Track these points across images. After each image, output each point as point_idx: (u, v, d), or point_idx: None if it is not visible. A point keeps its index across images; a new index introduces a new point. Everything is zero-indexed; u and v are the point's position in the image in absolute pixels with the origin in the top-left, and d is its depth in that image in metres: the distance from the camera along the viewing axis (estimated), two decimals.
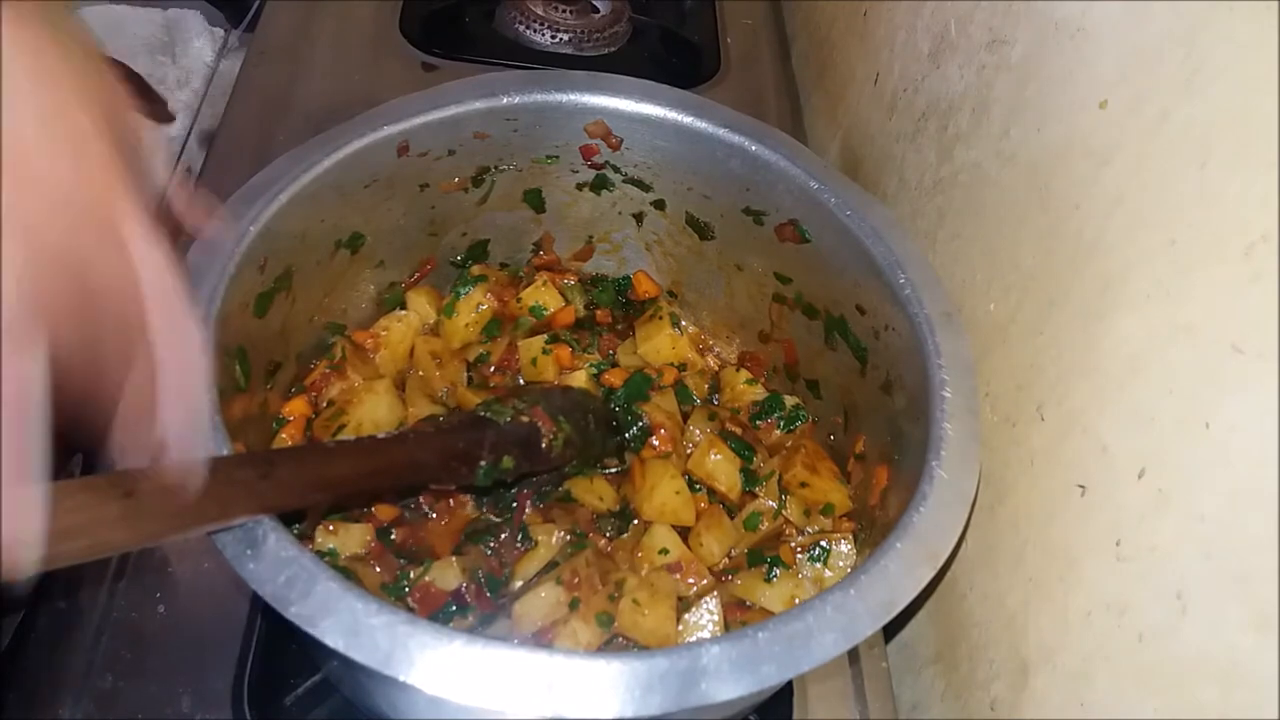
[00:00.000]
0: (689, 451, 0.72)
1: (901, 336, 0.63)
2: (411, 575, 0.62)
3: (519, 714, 0.43)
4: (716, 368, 0.82)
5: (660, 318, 0.79)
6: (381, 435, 0.64)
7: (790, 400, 0.76)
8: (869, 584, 0.49)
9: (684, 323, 0.81)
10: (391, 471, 0.54)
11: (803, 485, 0.69)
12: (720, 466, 0.70)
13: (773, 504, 0.70)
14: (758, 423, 0.76)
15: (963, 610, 0.65)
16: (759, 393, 0.77)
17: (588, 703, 0.43)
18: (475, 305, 0.77)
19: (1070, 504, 0.54)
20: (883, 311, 0.65)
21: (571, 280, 0.82)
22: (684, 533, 0.68)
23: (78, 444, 0.72)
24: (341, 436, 0.65)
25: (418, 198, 0.72)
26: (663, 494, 0.67)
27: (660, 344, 0.79)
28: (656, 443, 0.72)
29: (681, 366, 0.79)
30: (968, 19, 0.71)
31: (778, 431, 0.75)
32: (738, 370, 0.79)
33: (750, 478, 0.71)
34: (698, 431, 0.74)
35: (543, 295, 0.78)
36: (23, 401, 0.30)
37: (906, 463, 0.59)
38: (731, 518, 0.70)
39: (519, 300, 0.78)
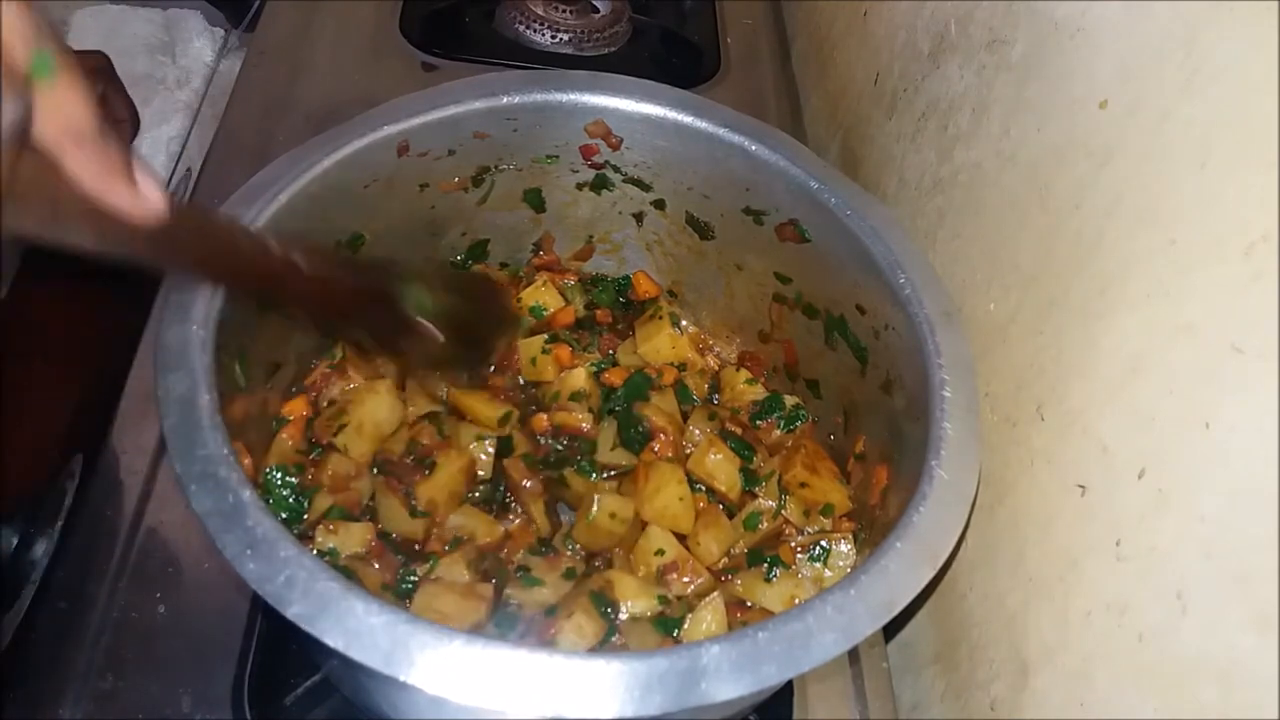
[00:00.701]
0: (689, 452, 0.72)
1: (901, 336, 0.63)
2: (418, 573, 0.62)
3: (519, 714, 0.43)
4: (716, 368, 0.82)
5: (660, 318, 0.79)
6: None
7: (790, 400, 0.76)
8: (869, 584, 0.49)
9: (684, 323, 0.81)
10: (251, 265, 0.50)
11: (802, 485, 0.69)
12: (720, 466, 0.70)
13: (772, 504, 0.70)
14: (758, 423, 0.76)
15: (963, 610, 0.65)
16: (759, 393, 0.77)
17: (587, 703, 0.43)
18: None
19: (1070, 504, 0.54)
20: (882, 311, 0.65)
21: (571, 280, 0.82)
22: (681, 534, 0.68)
23: (78, 444, 0.72)
24: (343, 436, 0.66)
25: (418, 198, 0.72)
26: (666, 497, 0.67)
27: (660, 344, 0.79)
28: (657, 447, 0.72)
29: (681, 366, 0.79)
30: (968, 19, 0.71)
31: (777, 431, 0.75)
32: (737, 370, 0.79)
33: (750, 478, 0.71)
34: (697, 432, 0.74)
35: (543, 295, 0.78)
36: None
37: (906, 462, 0.59)
38: (731, 518, 0.70)
39: (519, 300, 0.79)
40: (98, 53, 0.79)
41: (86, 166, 0.34)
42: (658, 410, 0.73)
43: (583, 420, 0.73)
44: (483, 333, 0.68)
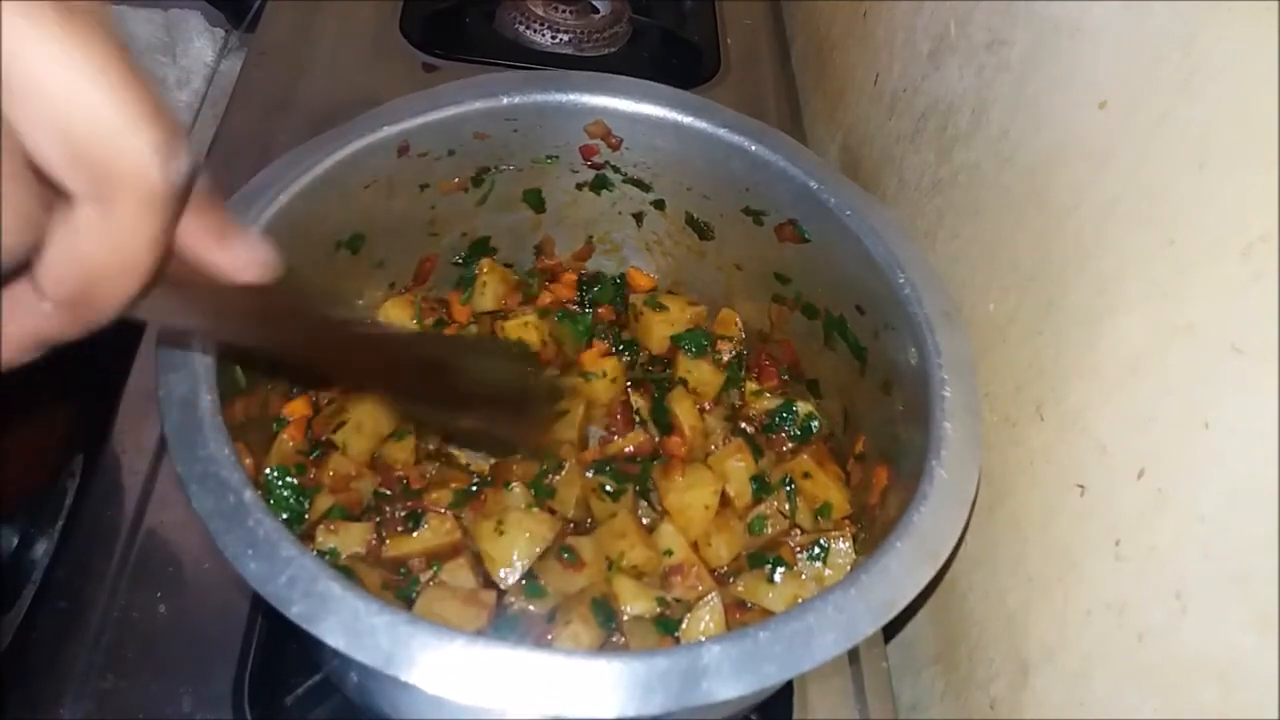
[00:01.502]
0: (711, 450, 0.73)
1: (901, 336, 0.63)
2: (422, 579, 0.62)
3: (519, 714, 0.43)
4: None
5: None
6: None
7: (804, 408, 0.75)
8: (870, 583, 0.49)
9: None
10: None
11: (806, 475, 0.69)
12: (737, 473, 0.70)
13: (779, 509, 0.69)
14: (770, 434, 0.75)
15: (963, 610, 0.66)
16: (770, 402, 0.76)
17: (588, 702, 0.43)
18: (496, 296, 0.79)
19: (1070, 504, 0.54)
20: (882, 311, 0.65)
21: (565, 298, 0.82)
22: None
23: (79, 443, 0.72)
24: (342, 434, 0.66)
25: (418, 198, 0.72)
26: (694, 499, 0.67)
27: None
28: (674, 443, 0.72)
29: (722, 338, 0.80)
30: (967, 19, 0.72)
31: (789, 445, 0.75)
32: (747, 378, 0.79)
33: (761, 485, 0.71)
34: (718, 430, 0.74)
35: (527, 333, 0.77)
36: None
37: (906, 463, 0.59)
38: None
39: (504, 330, 0.77)
40: None
41: (190, 227, 0.32)
42: (688, 412, 0.74)
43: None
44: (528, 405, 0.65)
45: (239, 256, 0.34)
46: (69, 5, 0.25)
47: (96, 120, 0.24)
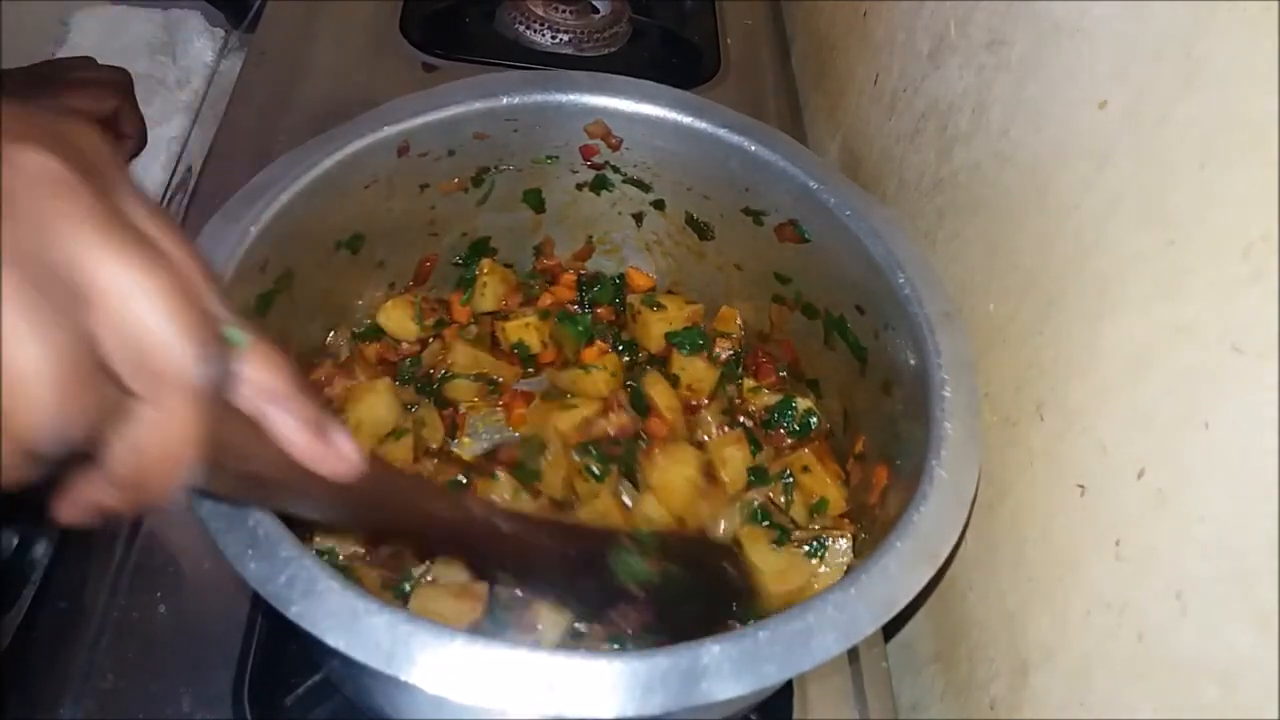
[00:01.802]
0: (704, 440, 0.74)
1: (901, 336, 0.63)
2: (415, 573, 0.63)
3: (519, 713, 0.43)
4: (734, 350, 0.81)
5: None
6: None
7: (803, 404, 0.75)
8: (869, 583, 0.49)
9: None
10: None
11: (805, 469, 0.70)
12: (733, 461, 0.71)
13: (774, 499, 0.70)
14: (769, 430, 0.75)
15: (963, 609, 0.66)
16: (769, 398, 0.77)
17: (588, 702, 0.43)
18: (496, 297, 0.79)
19: (1070, 504, 0.54)
20: (882, 311, 0.65)
21: (565, 299, 0.82)
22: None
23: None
24: None
25: (418, 198, 0.72)
26: (676, 474, 0.69)
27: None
28: (654, 425, 0.73)
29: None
30: (967, 19, 0.71)
31: (789, 440, 0.75)
32: (744, 375, 0.79)
33: (759, 477, 0.71)
34: (713, 423, 0.74)
35: (527, 335, 0.78)
36: None
37: (906, 462, 0.59)
38: None
39: (504, 331, 0.78)
40: (120, 69, 0.79)
41: (284, 423, 0.37)
42: (662, 394, 0.74)
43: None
44: (705, 604, 0.63)
45: (327, 452, 0.39)
46: (146, 234, 0.31)
47: (158, 339, 0.30)
